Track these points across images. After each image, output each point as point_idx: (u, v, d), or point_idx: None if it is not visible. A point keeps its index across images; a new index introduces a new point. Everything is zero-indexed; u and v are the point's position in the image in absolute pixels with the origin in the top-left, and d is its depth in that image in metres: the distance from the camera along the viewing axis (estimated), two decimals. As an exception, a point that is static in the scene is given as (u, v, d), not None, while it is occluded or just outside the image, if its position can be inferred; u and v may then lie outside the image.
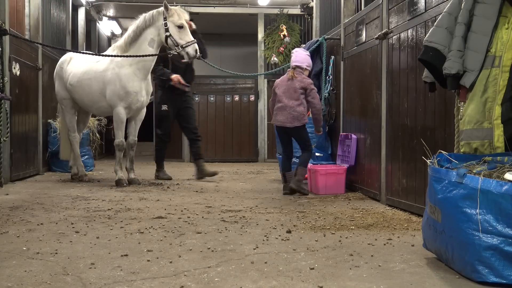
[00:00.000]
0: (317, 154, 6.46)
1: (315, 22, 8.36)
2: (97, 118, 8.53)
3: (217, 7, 10.85)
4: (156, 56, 6.35)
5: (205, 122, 10.95)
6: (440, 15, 3.12)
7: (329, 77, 6.60)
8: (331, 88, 6.54)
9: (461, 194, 2.46)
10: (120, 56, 6.17)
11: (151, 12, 6.19)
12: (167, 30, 6.09)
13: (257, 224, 3.82)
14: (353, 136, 5.74)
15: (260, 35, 11.00)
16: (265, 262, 2.74)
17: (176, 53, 6.13)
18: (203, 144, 10.98)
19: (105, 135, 10.60)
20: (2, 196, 5.20)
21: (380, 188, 4.94)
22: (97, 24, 12.00)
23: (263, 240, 3.28)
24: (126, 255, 2.89)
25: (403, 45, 4.51)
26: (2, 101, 5.70)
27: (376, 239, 3.31)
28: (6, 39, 6.05)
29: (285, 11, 10.84)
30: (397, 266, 2.70)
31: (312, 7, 8.94)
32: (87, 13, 10.91)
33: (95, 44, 11.80)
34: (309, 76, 5.85)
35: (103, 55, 6.51)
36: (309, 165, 5.79)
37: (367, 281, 2.43)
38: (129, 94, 6.18)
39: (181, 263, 2.74)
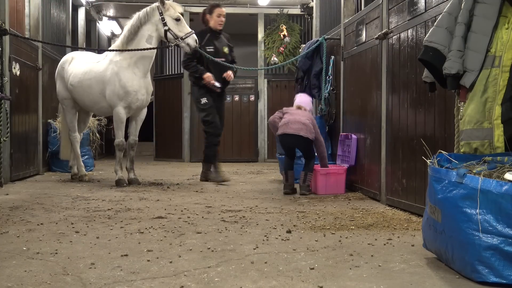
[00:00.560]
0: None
1: (315, 22, 8.36)
2: (97, 118, 8.54)
3: (217, 7, 10.84)
4: (154, 54, 6.36)
5: (205, 122, 10.93)
6: (440, 15, 3.12)
7: (329, 77, 6.60)
8: (331, 88, 6.54)
9: (461, 194, 2.46)
10: (124, 50, 6.18)
11: (144, 9, 6.21)
12: (165, 24, 6.11)
13: (257, 224, 3.82)
14: (353, 136, 5.74)
15: (260, 35, 11.00)
16: (265, 262, 2.74)
17: (176, 45, 6.18)
18: (204, 144, 11.06)
19: (105, 135, 10.61)
20: (2, 196, 5.21)
21: (380, 188, 4.94)
22: (97, 24, 12.01)
23: (263, 240, 3.28)
24: (126, 255, 2.89)
25: (403, 45, 4.51)
26: (2, 101, 5.71)
27: (376, 239, 3.31)
28: (6, 39, 6.05)
29: (285, 11, 10.84)
30: (397, 266, 2.70)
31: (312, 7, 8.94)
32: (87, 13, 10.91)
33: (95, 44, 11.81)
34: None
35: (106, 50, 6.53)
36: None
37: (367, 281, 2.43)
38: (128, 93, 6.18)
39: (181, 263, 2.74)
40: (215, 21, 6.72)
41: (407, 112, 4.43)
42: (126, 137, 6.50)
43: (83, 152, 7.56)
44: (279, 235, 3.42)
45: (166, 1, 6.14)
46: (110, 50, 6.49)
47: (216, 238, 3.36)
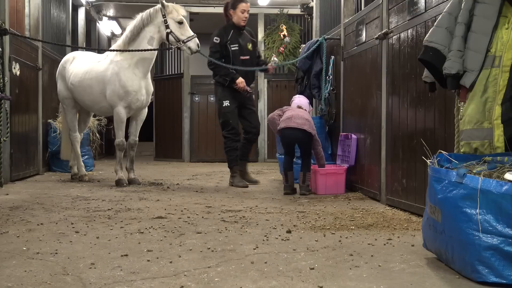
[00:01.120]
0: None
1: (315, 22, 8.36)
2: (97, 118, 8.54)
3: (217, 7, 10.83)
4: (155, 56, 6.36)
5: (205, 122, 10.94)
6: (440, 15, 3.12)
7: (329, 77, 6.60)
8: (331, 88, 6.54)
9: (461, 194, 2.46)
10: (124, 51, 6.18)
11: (147, 10, 6.21)
12: (167, 27, 6.10)
13: (257, 224, 3.82)
14: (353, 136, 5.74)
15: (260, 35, 10.99)
16: (265, 262, 2.74)
17: (178, 48, 6.14)
18: (204, 144, 11.07)
19: (105, 135, 10.60)
20: (2, 196, 5.21)
21: (380, 188, 4.94)
22: (97, 24, 12.00)
23: (263, 240, 3.28)
24: (126, 255, 2.89)
25: (403, 45, 4.51)
26: (2, 101, 5.70)
27: (376, 239, 3.31)
28: (6, 39, 6.05)
29: (285, 11, 10.83)
30: (397, 266, 2.70)
31: (312, 7, 8.94)
32: (87, 13, 10.91)
33: (95, 44, 11.80)
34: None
35: (108, 50, 6.53)
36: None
37: (367, 281, 2.43)
38: (128, 93, 6.19)
39: (181, 263, 2.74)
40: (239, 17, 6.49)
41: (407, 112, 4.43)
42: (127, 137, 6.50)
43: (83, 152, 7.56)
44: (279, 235, 3.42)
45: (169, 4, 6.14)
46: (111, 50, 6.49)
47: (216, 238, 3.36)
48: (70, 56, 6.92)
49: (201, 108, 10.99)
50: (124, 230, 3.57)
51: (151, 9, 6.21)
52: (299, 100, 6.07)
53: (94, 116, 8.21)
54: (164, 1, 6.12)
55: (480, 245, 2.36)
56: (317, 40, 6.87)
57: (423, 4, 4.13)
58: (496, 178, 2.45)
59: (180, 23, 6.11)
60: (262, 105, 10.99)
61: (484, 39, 2.90)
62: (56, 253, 2.92)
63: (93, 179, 6.97)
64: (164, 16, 6.10)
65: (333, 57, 6.59)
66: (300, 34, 10.82)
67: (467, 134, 2.91)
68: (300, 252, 2.98)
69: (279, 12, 10.82)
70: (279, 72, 11.16)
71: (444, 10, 3.11)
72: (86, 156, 8.02)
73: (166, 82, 11.55)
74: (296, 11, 10.85)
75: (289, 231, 3.52)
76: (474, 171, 2.53)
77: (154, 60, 6.39)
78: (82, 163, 6.96)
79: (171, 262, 2.74)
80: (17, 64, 6.53)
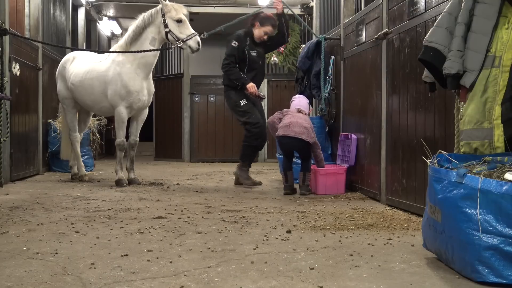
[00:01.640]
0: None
1: (315, 22, 8.36)
2: (97, 118, 8.54)
3: (217, 7, 10.84)
4: (157, 56, 6.36)
5: (205, 122, 10.95)
6: (440, 15, 3.12)
7: (329, 77, 6.60)
8: (331, 88, 6.54)
9: (461, 194, 2.46)
10: (125, 52, 6.18)
11: (149, 11, 6.20)
12: (166, 26, 6.09)
13: (257, 224, 3.82)
14: (353, 136, 5.74)
15: (260, 35, 10.98)
16: (265, 262, 2.74)
17: (178, 47, 6.12)
18: (204, 144, 11.07)
19: (105, 135, 10.60)
20: (2, 196, 5.21)
21: (380, 188, 4.94)
22: (97, 24, 12.01)
23: (263, 240, 3.28)
24: (126, 255, 2.89)
25: (403, 45, 4.51)
26: (2, 101, 5.71)
27: (376, 239, 3.31)
28: (6, 39, 6.05)
29: (285, 11, 10.82)
30: (397, 266, 2.70)
31: (312, 7, 8.94)
32: (87, 13, 10.91)
33: (95, 44, 11.81)
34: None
35: (109, 52, 6.53)
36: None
37: (367, 281, 2.43)
38: (130, 93, 6.19)
39: (181, 263, 2.74)
40: (260, 34, 6.55)
41: (407, 112, 4.43)
42: (127, 137, 6.51)
43: (83, 152, 7.56)
44: (279, 235, 3.42)
45: (168, 3, 6.13)
46: (112, 52, 6.47)
47: (216, 238, 3.36)
48: (70, 56, 6.91)
49: (201, 108, 10.99)
50: (124, 230, 3.57)
51: (153, 10, 6.20)
52: (299, 100, 6.04)
53: (94, 116, 8.21)
54: (163, 0, 6.12)
55: (480, 245, 2.36)
56: (317, 40, 6.88)
57: (423, 4, 4.13)
58: (496, 178, 2.45)
59: (179, 21, 6.09)
60: (262, 105, 10.98)
61: (484, 39, 2.90)
62: (56, 253, 2.92)
63: (93, 179, 6.97)
64: (163, 15, 6.10)
65: (333, 57, 6.59)
66: (300, 34, 10.82)
67: (467, 134, 2.91)
68: (300, 252, 2.98)
69: (279, 12, 10.79)
70: (279, 72, 11.16)
71: (444, 10, 3.11)
72: (86, 156, 8.02)
73: (166, 82, 11.55)
74: (296, 11, 10.82)
75: (289, 231, 3.52)
76: (474, 171, 2.53)
77: (156, 60, 6.38)
78: (82, 163, 6.96)
79: (171, 262, 2.74)
80: (17, 64, 6.53)
